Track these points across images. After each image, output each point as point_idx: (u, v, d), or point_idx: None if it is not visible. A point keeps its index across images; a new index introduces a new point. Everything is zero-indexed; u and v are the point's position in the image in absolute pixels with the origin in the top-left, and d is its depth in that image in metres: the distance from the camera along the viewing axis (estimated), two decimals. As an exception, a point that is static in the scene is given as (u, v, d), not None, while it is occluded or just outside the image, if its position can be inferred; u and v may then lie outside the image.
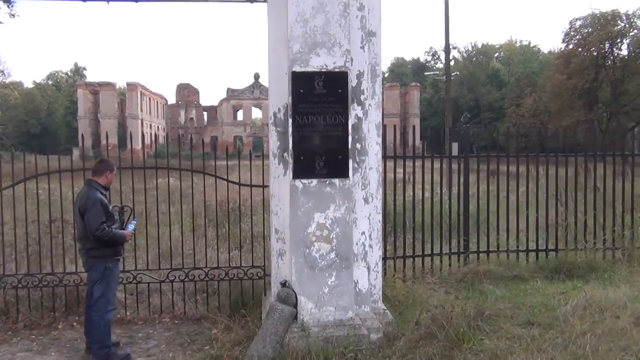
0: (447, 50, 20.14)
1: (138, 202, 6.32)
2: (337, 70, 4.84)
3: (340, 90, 4.85)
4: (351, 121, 4.92)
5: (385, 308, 5.41)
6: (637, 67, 51.47)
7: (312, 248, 4.87)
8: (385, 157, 6.21)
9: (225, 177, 6.11)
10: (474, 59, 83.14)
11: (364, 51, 5.04)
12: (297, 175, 4.85)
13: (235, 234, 7.47)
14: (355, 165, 5.08)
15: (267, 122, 5.37)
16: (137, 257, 6.34)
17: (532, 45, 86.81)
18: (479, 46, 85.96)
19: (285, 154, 5.02)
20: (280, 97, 5.00)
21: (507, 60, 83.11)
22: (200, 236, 7.32)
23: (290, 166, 4.85)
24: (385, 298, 5.71)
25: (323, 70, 4.82)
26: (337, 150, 4.87)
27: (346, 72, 4.86)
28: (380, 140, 5.28)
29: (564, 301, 5.55)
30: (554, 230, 7.56)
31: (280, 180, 5.08)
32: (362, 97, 5.06)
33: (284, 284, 5.01)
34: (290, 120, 4.83)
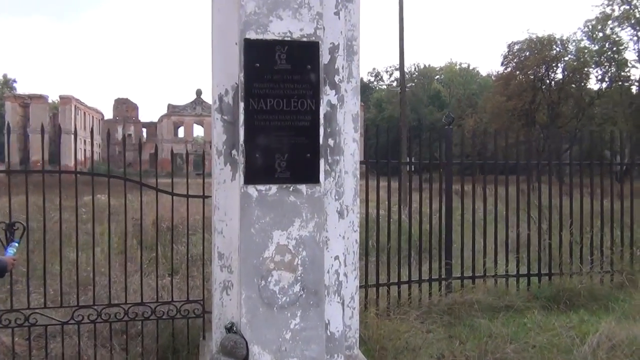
0: (401, 64, 19.48)
1: (61, 220, 4.79)
2: (305, 39, 3.62)
3: (309, 67, 3.62)
4: (323, 109, 3.69)
5: (364, 357, 4.15)
6: (572, 91, 53.61)
7: (269, 279, 3.57)
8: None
9: (157, 188, 4.70)
10: (416, 80, 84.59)
11: (338, 18, 3.84)
12: (250, 179, 3.56)
13: (168, 258, 6.02)
14: (328, 167, 3.84)
15: (209, 139, 4.06)
16: (30, 291, 4.78)
17: (471, 67, 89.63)
18: (421, 67, 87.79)
19: (234, 152, 3.72)
20: (228, 74, 3.71)
21: (448, 82, 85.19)
22: (125, 263, 5.81)
23: (241, 167, 3.56)
24: (360, 340, 4.46)
25: (287, 38, 3.58)
26: (305, 146, 3.62)
27: (317, 43, 3.64)
28: (358, 136, 4.08)
29: (578, 339, 4.50)
30: (546, 252, 6.59)
31: (227, 187, 3.77)
32: (336, 79, 3.85)
33: (230, 329, 3.67)
34: (241, 105, 3.54)
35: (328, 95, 3.82)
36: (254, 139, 3.55)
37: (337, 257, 3.91)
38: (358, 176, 4.12)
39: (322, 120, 3.67)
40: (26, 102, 72.52)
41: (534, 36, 52.75)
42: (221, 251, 3.83)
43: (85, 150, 71.22)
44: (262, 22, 3.55)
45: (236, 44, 3.62)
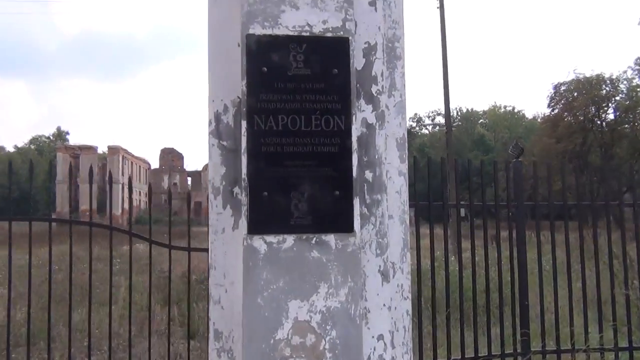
0: (446, 103, 18.50)
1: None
2: (329, 34, 2.66)
3: (335, 71, 2.64)
4: (356, 129, 2.68)
5: None
6: (625, 131, 51.21)
7: (284, 370, 2.49)
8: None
9: (149, 238, 3.75)
10: (459, 124, 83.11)
11: (375, 10, 2.87)
12: (256, 227, 2.54)
13: (193, 317, 5.02)
14: (365, 210, 2.78)
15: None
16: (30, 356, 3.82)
17: (516, 110, 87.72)
18: (464, 111, 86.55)
19: (237, 189, 2.73)
20: (228, 85, 2.76)
21: (492, 126, 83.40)
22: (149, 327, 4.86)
23: (245, 210, 2.55)
24: None
25: (305, 33, 2.63)
26: (332, 180, 2.60)
27: (346, 40, 2.67)
28: (405, 168, 3.02)
29: None
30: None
31: (227, 238, 2.75)
32: (373, 89, 2.84)
33: None
34: (243, 125, 2.58)
35: (363, 112, 2.81)
36: (260, 171, 2.55)
37: (381, 337, 2.78)
38: (407, 222, 3.03)
39: (355, 145, 2.65)
40: (76, 152, 75.14)
41: (581, 76, 51.00)
42: (219, 328, 2.77)
43: (131, 199, 72.58)
44: (271, 13, 2.61)
45: (238, 44, 2.69)
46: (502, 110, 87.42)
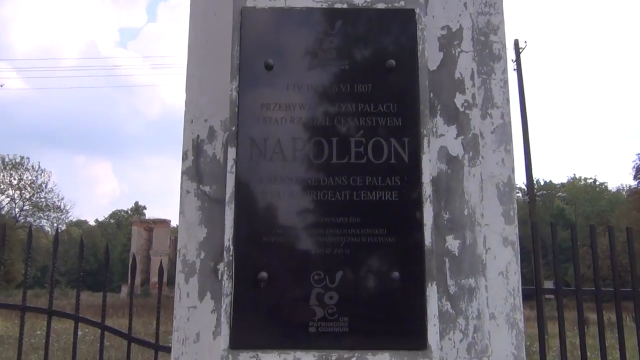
0: (528, 170, 16.90)
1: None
2: (381, 5, 1.59)
3: (392, 64, 1.54)
4: (431, 164, 1.53)
5: None
6: None
7: None
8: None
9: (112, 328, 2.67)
10: (537, 198, 78.98)
11: (458, -17, 1.79)
12: (245, 337, 1.39)
13: None
14: (448, 305, 1.56)
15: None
16: None
17: (597, 182, 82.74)
18: (541, 183, 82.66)
19: (221, 266, 1.60)
20: (214, 98, 1.71)
21: (572, 199, 78.71)
22: None
23: (226, 305, 1.41)
24: None
25: (339, 4, 1.58)
26: (387, 251, 1.43)
27: (412, 13, 1.59)
28: (515, 233, 1.78)
29: None
30: None
31: (202, 352, 1.60)
32: (458, 101, 1.71)
33: None
34: (231, 154, 1.50)
35: (442, 137, 1.66)
36: (257, 235, 1.43)
37: None
38: (522, 325, 1.75)
39: (428, 191, 1.49)
40: (150, 226, 77.54)
41: (672, 144, 47.43)
42: None
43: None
44: (282, -28, 1.59)
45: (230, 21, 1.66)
46: (582, 182, 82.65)
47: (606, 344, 3.17)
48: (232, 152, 1.48)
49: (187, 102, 1.70)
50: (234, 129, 1.50)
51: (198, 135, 1.68)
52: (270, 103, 1.50)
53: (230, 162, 1.48)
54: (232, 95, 1.53)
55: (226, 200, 1.47)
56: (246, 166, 1.46)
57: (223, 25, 1.70)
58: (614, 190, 78.02)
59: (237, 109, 1.51)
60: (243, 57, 1.55)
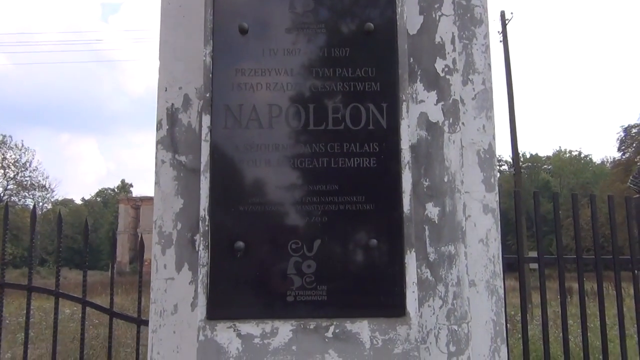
0: (513, 142, 16.96)
1: None
2: (359, -34, 1.54)
3: (371, 26, 1.50)
4: (410, 130, 1.50)
5: None
6: None
7: None
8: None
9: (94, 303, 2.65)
10: (522, 171, 79.62)
11: (437, -59, 1.73)
12: (222, 307, 1.37)
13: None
14: (427, 272, 1.55)
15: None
16: None
17: (582, 155, 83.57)
18: (527, 156, 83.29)
19: (197, 237, 1.57)
20: (192, 62, 1.66)
21: (557, 171, 79.50)
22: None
23: (202, 275, 1.39)
24: None
25: (315, -35, 1.52)
26: (366, 218, 1.41)
27: (389, -26, 1.54)
28: (496, 201, 1.77)
29: None
30: None
31: (180, 323, 1.58)
32: (439, 66, 1.67)
33: None
34: (205, 122, 1.45)
35: (422, 103, 1.63)
36: (232, 204, 1.40)
37: None
38: (501, 292, 1.75)
39: (407, 157, 1.47)
40: (137, 204, 77.12)
41: (656, 116, 47.84)
42: None
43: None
44: None
45: (208, -5, 1.60)
46: (568, 155, 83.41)
47: (588, 312, 3.21)
48: (206, 120, 1.44)
49: (161, 70, 1.65)
50: (208, 95, 1.45)
51: (172, 104, 1.63)
52: (245, 68, 1.46)
53: (205, 130, 1.44)
54: (205, 60, 1.48)
55: (201, 169, 1.44)
56: (221, 134, 1.43)
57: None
58: (599, 162, 78.92)
59: (211, 75, 1.46)
60: (217, 21, 1.50)
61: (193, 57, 1.60)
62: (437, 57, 1.67)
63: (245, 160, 1.42)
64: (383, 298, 1.39)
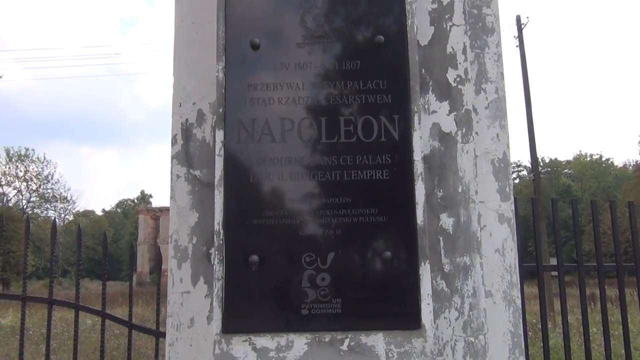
0: (532, 147, 16.77)
1: None
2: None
3: (381, 39, 1.51)
4: (423, 141, 1.50)
5: None
6: None
7: None
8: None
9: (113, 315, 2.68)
10: (542, 176, 78.58)
11: (448, -49, 1.74)
12: (237, 320, 1.38)
13: None
14: (442, 284, 1.55)
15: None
16: None
17: (603, 158, 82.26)
18: (546, 161, 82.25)
19: (212, 251, 1.59)
20: (203, 79, 1.68)
21: (578, 176, 78.36)
22: None
23: (218, 289, 1.40)
24: None
25: (325, -21, 1.54)
26: (380, 230, 1.41)
27: (399, -13, 1.55)
28: (511, 210, 1.76)
29: None
30: None
31: (196, 337, 1.59)
32: (450, 76, 1.67)
33: None
34: (219, 137, 1.47)
35: (434, 114, 1.63)
36: (246, 217, 1.42)
37: None
38: (519, 303, 1.73)
39: (420, 169, 1.47)
40: (157, 214, 77.90)
41: (679, 118, 46.97)
42: None
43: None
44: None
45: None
46: (588, 159, 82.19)
47: (611, 319, 3.15)
48: (220, 135, 1.46)
49: (175, 86, 1.68)
50: (221, 110, 1.47)
51: (187, 119, 1.65)
52: (257, 83, 1.47)
53: (219, 145, 1.46)
54: (218, 76, 1.50)
55: (215, 183, 1.46)
56: (234, 148, 1.44)
57: (209, 5, 1.67)
58: (620, 165, 77.60)
59: (224, 90, 1.49)
60: (229, 37, 1.52)
61: (206, 72, 1.63)
62: (449, 68, 1.67)
63: (258, 174, 1.43)
64: (398, 310, 1.38)
